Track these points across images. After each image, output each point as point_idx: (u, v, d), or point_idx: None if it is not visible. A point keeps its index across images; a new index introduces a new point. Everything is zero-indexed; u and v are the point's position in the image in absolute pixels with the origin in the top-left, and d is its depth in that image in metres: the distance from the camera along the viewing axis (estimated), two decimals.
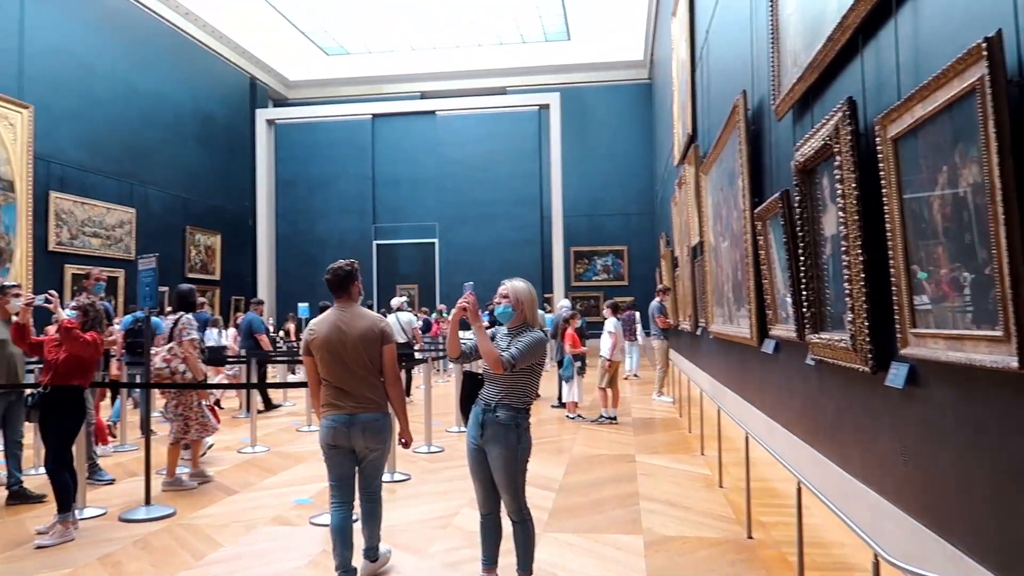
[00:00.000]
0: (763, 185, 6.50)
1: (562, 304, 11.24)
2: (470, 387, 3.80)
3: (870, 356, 3.64)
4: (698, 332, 12.25)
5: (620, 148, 26.79)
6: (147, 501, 5.11)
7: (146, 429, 5.52)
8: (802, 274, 4.73)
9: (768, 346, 6.39)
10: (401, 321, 12.14)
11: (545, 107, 23.48)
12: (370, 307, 13.15)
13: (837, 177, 3.84)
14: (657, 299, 12.29)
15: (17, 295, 6.00)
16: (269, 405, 11.84)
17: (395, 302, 12.88)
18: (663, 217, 19.99)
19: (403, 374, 11.29)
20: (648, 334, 16.11)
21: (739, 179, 7.24)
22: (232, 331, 13.69)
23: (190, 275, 22.99)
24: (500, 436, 3.60)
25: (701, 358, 12.02)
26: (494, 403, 3.63)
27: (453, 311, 3.72)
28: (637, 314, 17.21)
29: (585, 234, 26.59)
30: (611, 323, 9.05)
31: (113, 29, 20.18)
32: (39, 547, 4.68)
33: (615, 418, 8.80)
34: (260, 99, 26.80)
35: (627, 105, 26.95)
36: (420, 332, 11.38)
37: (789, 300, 5.28)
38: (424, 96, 26.74)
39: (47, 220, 17.91)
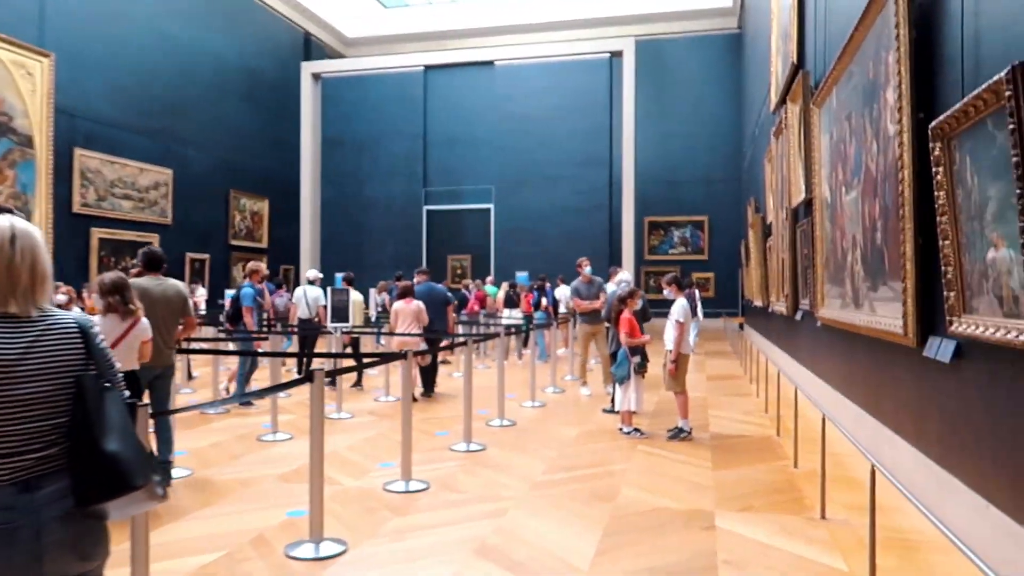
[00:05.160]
0: (937, 87, 4.03)
1: (621, 278, 8.87)
2: None
3: None
4: (798, 316, 9.71)
5: (703, 107, 23.90)
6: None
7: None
8: None
9: (940, 350, 3.95)
10: (308, 296, 10.34)
11: (618, 55, 20.75)
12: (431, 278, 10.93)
13: None
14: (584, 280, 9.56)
15: None
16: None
17: (310, 274, 11.06)
18: (752, 183, 17.23)
19: (417, 365, 9.19)
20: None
21: (887, 90, 4.75)
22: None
23: (234, 242, 21.58)
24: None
25: (801, 352, 9.49)
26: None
27: None
28: (697, 291, 14.92)
29: (661, 203, 23.92)
30: (678, 307, 6.63)
31: None
32: None
33: (686, 433, 6.47)
34: (316, 57, 25.02)
35: (713, 58, 23.95)
36: (325, 310, 9.55)
37: (1018, 275, 2.86)
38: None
39: (71, 179, 16.50)
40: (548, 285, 14.23)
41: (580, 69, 21.11)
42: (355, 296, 9.74)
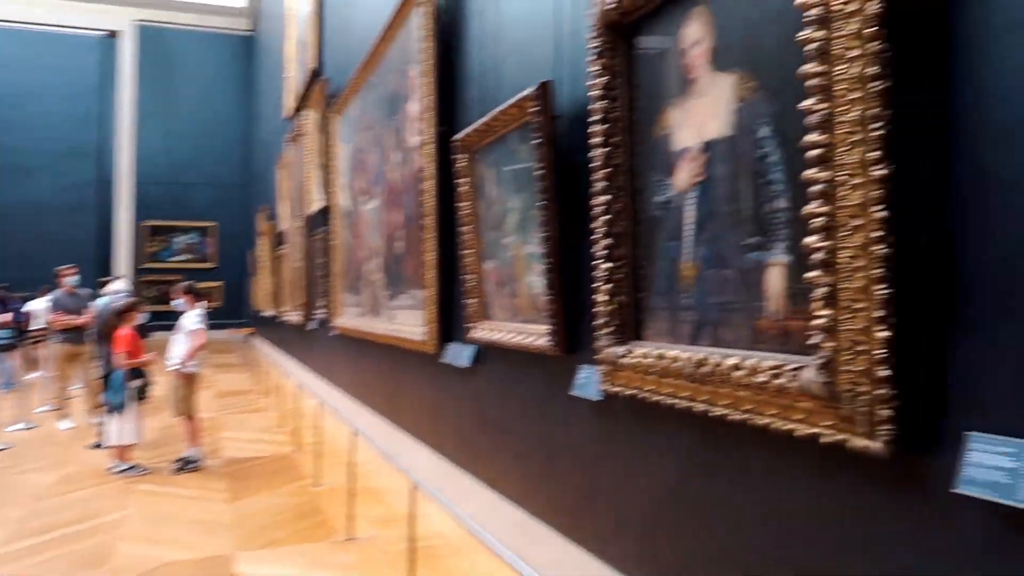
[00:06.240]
0: (460, 101, 4.18)
1: (116, 288, 7.57)
2: None
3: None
4: (312, 326, 9.59)
5: (213, 107, 22.58)
6: None
7: None
8: (605, 234, 2.48)
9: (458, 355, 4.08)
10: None
11: (113, 35, 18.35)
12: None
13: None
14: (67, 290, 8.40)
15: None
16: None
17: None
18: (264, 190, 16.79)
19: None
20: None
21: (410, 102, 4.84)
22: None
23: None
24: None
25: (318, 362, 9.39)
26: None
27: None
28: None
29: (163, 205, 21.79)
30: (193, 317, 5.89)
31: None
32: None
33: (197, 462, 5.73)
34: None
35: (224, 58, 22.82)
36: None
37: (539, 283, 3.02)
38: None
39: None
40: (18, 297, 11.66)
41: (64, 44, 18.10)
42: None
